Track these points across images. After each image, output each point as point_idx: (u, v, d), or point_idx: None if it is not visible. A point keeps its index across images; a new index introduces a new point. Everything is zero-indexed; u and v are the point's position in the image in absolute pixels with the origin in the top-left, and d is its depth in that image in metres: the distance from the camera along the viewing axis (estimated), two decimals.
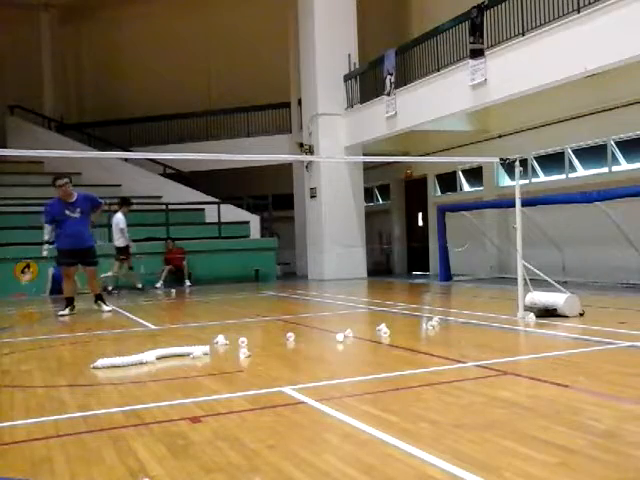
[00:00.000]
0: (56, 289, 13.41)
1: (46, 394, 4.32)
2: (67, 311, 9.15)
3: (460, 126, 14.48)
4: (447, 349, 5.70)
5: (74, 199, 9.19)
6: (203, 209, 17.71)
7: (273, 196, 17.85)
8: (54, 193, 9.40)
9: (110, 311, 9.48)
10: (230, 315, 8.90)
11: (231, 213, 17.28)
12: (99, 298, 9.65)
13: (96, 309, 9.59)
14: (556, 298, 7.04)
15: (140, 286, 13.55)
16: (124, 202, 13.05)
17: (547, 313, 6.96)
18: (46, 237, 9.24)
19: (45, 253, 9.45)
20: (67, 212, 9.08)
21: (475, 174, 15.46)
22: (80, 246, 9.21)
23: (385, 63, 14.36)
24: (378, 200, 19.78)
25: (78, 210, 9.14)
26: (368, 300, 10.73)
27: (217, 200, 17.25)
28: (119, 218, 12.77)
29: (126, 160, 18.78)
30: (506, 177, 14.31)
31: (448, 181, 16.51)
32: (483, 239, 14.51)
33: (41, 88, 22.29)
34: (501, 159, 7.26)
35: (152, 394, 4.21)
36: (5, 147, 17.81)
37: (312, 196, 16.37)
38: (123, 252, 12.96)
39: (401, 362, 5.05)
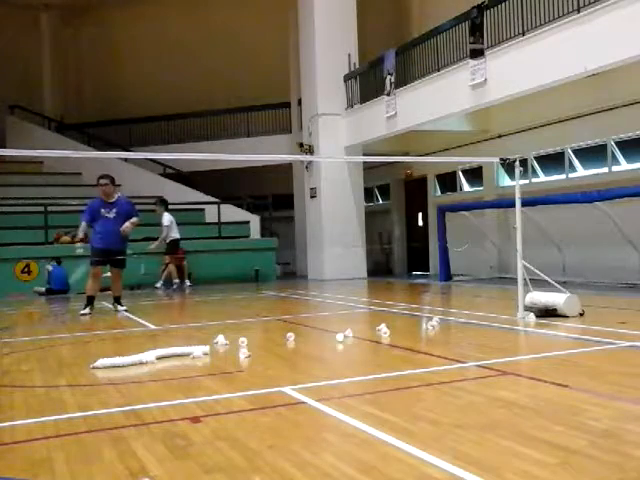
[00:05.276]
0: (51, 289, 13.43)
1: (46, 394, 4.31)
2: (88, 310, 9.18)
3: (460, 126, 14.47)
4: (447, 349, 5.70)
5: (114, 200, 9.31)
6: (203, 209, 17.71)
7: (273, 196, 17.85)
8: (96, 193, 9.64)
9: (126, 310, 9.45)
10: (230, 315, 8.89)
11: (231, 213, 17.28)
12: (117, 300, 9.65)
13: (112, 309, 9.63)
14: (556, 298, 7.04)
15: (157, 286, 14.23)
16: (163, 202, 14.36)
17: (547, 313, 6.96)
18: (80, 234, 9.33)
19: (79, 251, 9.50)
20: (103, 211, 9.19)
21: (475, 174, 15.46)
22: (112, 246, 9.26)
23: (385, 63, 14.36)
24: (378, 200, 19.79)
25: (114, 211, 9.21)
26: (368, 300, 10.73)
27: (217, 200, 17.25)
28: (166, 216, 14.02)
29: (126, 160, 18.77)
30: (506, 177, 14.31)
31: (448, 181, 16.50)
32: (483, 239, 14.51)
33: (41, 88, 22.29)
34: (501, 159, 7.26)
35: (152, 394, 4.21)
36: (5, 147, 17.80)
37: (312, 196, 16.37)
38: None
39: (401, 362, 5.05)
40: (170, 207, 16.48)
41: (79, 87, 23.29)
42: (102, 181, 9.29)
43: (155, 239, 15.44)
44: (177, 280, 14.14)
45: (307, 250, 16.90)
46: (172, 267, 14.19)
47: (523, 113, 13.01)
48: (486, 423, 3.22)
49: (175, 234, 14.01)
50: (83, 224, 9.29)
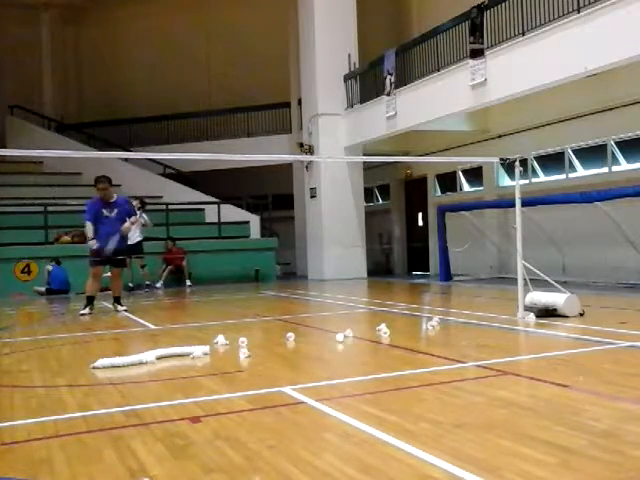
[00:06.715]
0: (52, 289, 13.43)
1: (46, 394, 4.32)
2: (87, 310, 9.16)
3: (460, 126, 14.47)
4: (447, 349, 5.70)
5: (113, 200, 9.36)
6: (203, 209, 17.72)
7: (273, 196, 17.85)
8: (94, 193, 9.57)
9: (126, 310, 9.44)
10: (230, 315, 8.90)
11: (231, 213, 17.28)
12: (117, 300, 9.63)
13: (112, 309, 9.62)
14: (556, 298, 7.04)
15: (150, 284, 14.11)
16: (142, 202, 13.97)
17: (547, 313, 6.96)
18: (90, 234, 9.21)
19: (95, 246, 9.27)
20: (104, 211, 9.21)
21: (475, 174, 15.46)
22: (113, 246, 9.23)
23: (385, 63, 14.36)
24: (378, 200, 19.78)
25: (115, 211, 9.27)
26: (368, 300, 10.73)
27: (217, 200, 17.25)
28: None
29: (126, 160, 18.78)
30: (506, 177, 14.31)
31: (448, 181, 16.50)
32: (483, 239, 14.51)
33: (41, 88, 22.31)
34: (501, 159, 7.26)
35: (152, 394, 4.21)
36: (5, 147, 17.81)
37: (312, 196, 16.37)
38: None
39: (401, 362, 5.05)
40: (170, 207, 16.56)
41: (79, 87, 23.32)
42: (101, 185, 9.26)
43: (153, 239, 15.50)
44: (148, 282, 14.16)
45: (307, 250, 16.90)
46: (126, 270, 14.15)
47: (523, 113, 13.01)
48: (486, 423, 3.22)
49: (141, 235, 13.88)
50: (89, 224, 9.21)
